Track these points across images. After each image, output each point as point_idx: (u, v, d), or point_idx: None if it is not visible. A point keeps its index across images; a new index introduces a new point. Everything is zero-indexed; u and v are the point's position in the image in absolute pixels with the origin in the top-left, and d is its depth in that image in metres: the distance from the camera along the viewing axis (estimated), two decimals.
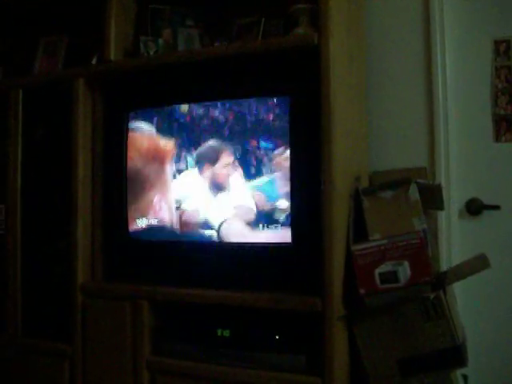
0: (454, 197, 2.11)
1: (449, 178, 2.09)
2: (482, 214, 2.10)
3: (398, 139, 2.15)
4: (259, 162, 1.82)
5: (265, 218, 1.81)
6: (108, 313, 1.97)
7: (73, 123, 2.07)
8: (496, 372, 2.07)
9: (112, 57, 2.05)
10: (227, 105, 1.87)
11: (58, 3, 2.30)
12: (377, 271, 1.70)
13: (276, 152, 1.80)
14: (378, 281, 1.69)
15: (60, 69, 2.24)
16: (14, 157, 2.18)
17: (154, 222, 1.98)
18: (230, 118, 1.87)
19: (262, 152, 1.82)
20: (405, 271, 1.68)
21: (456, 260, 2.03)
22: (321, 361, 1.68)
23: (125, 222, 2.01)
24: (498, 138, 2.10)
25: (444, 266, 1.99)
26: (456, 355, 1.68)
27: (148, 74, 2.02)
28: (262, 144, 1.82)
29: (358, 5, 2.05)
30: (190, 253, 1.92)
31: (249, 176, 1.83)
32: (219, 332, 1.81)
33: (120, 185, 2.01)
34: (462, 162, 2.12)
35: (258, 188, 1.82)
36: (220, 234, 1.87)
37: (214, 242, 1.88)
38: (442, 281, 1.73)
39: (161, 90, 2.02)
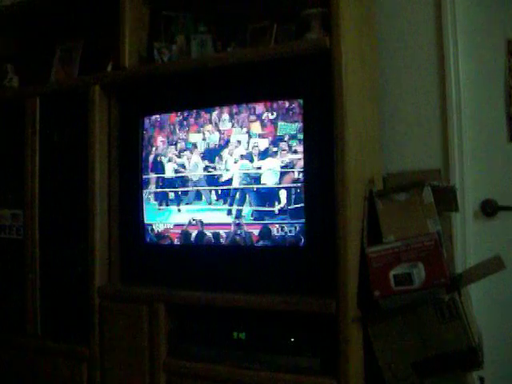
0: (469, 198, 2.10)
1: (463, 179, 2.09)
2: (497, 215, 2.09)
3: (412, 141, 2.15)
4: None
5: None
6: (125, 315, 2.00)
7: (89, 129, 2.11)
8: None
9: (126, 64, 2.08)
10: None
11: (73, 9, 2.34)
12: (391, 273, 1.70)
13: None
14: (392, 283, 1.70)
15: (76, 76, 2.28)
16: (31, 163, 2.22)
17: (170, 225, 2.01)
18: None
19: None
20: (419, 273, 1.69)
21: (471, 261, 2.03)
22: (336, 363, 1.69)
23: (141, 225, 2.04)
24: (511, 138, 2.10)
25: (459, 268, 1.99)
26: (471, 357, 1.68)
27: (162, 80, 2.05)
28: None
29: (368, 8, 2.06)
30: (205, 256, 1.94)
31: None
32: (235, 335, 1.83)
33: (136, 189, 2.04)
34: (476, 163, 2.12)
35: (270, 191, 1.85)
36: (236, 237, 1.89)
37: (227, 244, 1.90)
38: (456, 282, 1.73)
39: (174, 96, 2.04)
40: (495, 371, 2.04)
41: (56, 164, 2.20)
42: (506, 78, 2.11)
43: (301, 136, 1.80)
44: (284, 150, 1.82)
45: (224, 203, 1.91)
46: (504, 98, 2.11)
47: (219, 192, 1.92)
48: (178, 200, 1.99)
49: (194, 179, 1.96)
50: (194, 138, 1.96)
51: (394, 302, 1.70)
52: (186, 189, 1.98)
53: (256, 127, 1.87)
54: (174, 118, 2.01)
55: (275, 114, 1.85)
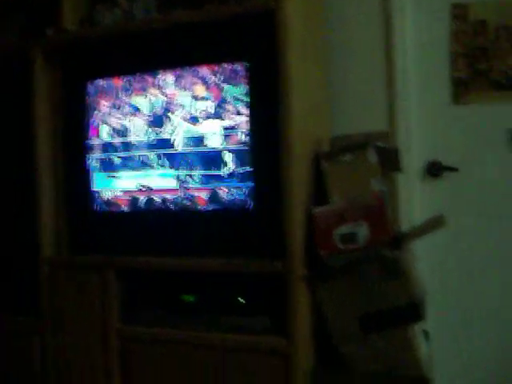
0: (415, 159, 2.14)
1: (409, 141, 2.13)
2: (442, 175, 2.15)
3: (359, 104, 2.16)
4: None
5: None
6: (75, 285, 1.99)
7: (31, 95, 2.05)
8: (457, 329, 2.14)
9: (68, 26, 2.02)
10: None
11: None
12: (337, 232, 1.73)
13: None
14: (338, 242, 1.73)
15: (16, 41, 2.20)
16: None
17: (118, 192, 1.99)
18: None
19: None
20: (364, 232, 1.72)
21: (417, 221, 2.08)
22: (284, 321, 1.72)
23: (89, 193, 2.02)
24: (456, 100, 2.14)
25: (405, 227, 2.04)
26: (413, 311, 1.74)
27: (105, 43, 2.00)
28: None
29: None
30: (154, 221, 1.94)
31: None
32: (185, 298, 1.85)
33: (82, 156, 2.01)
34: (422, 126, 2.15)
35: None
36: (184, 201, 1.89)
37: (176, 209, 1.90)
38: (400, 241, 1.77)
39: (118, 59, 2.00)
40: (440, 324, 2.13)
41: None
42: (450, 42, 2.13)
43: (246, 98, 1.80)
44: (229, 113, 1.81)
45: (171, 168, 1.90)
46: (448, 61, 2.14)
47: (166, 156, 1.91)
48: (125, 165, 1.97)
49: (140, 144, 1.94)
50: (139, 101, 1.94)
51: (339, 260, 1.73)
52: (132, 154, 1.95)
53: (201, 90, 1.85)
54: (118, 81, 1.97)
55: (220, 76, 1.83)
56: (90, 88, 2.01)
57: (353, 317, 1.76)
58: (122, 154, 1.98)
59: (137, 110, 1.94)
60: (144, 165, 1.94)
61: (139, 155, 1.95)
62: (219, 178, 1.84)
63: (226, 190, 1.83)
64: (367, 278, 1.73)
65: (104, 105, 1.99)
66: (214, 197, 1.84)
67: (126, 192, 1.97)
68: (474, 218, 2.12)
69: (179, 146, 1.89)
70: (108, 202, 2.01)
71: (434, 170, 2.15)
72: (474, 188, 2.13)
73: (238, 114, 1.81)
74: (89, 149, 2.01)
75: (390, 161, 1.90)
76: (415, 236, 1.84)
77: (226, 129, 1.82)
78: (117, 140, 1.98)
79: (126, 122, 1.96)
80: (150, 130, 1.93)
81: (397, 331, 1.74)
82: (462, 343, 2.15)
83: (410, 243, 1.86)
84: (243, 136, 1.80)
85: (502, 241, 2.10)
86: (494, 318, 2.12)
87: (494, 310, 2.11)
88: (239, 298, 1.79)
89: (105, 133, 2.00)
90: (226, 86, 1.82)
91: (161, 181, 1.92)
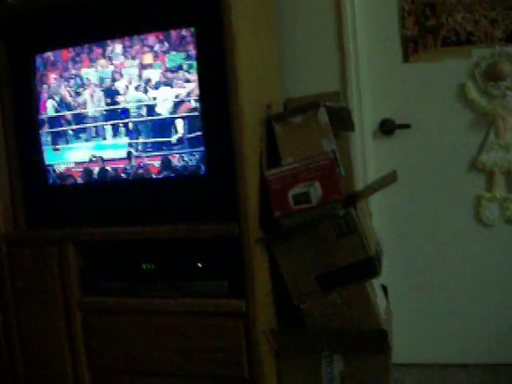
0: (368, 118, 2.18)
1: (361, 100, 2.16)
2: (395, 133, 2.18)
3: (311, 66, 2.18)
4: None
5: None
6: (34, 260, 1.97)
7: None
8: (412, 282, 2.21)
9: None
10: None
11: None
12: (290, 193, 1.75)
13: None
14: (291, 203, 1.75)
15: None
16: None
17: (71, 164, 1.98)
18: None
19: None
20: (316, 191, 1.75)
21: (371, 179, 2.12)
22: (243, 284, 1.75)
23: (42, 167, 2.00)
24: (406, 58, 2.16)
25: (360, 186, 2.08)
26: (369, 267, 1.78)
27: (51, 15, 1.95)
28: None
29: None
30: (109, 192, 1.93)
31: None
32: (144, 266, 1.86)
33: (33, 130, 1.98)
34: (373, 84, 2.18)
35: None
36: (137, 170, 1.89)
37: (130, 178, 1.90)
38: (352, 198, 1.81)
39: (65, 31, 1.96)
40: (397, 279, 2.19)
41: None
42: (398, 0, 2.15)
43: (194, 64, 1.79)
44: (178, 80, 1.80)
45: (121, 137, 1.89)
46: (397, 19, 2.16)
47: (116, 126, 1.89)
48: (76, 137, 1.94)
49: (90, 115, 1.92)
50: (88, 73, 1.90)
51: (294, 220, 1.76)
52: (82, 126, 1.93)
53: (149, 58, 1.83)
54: (66, 54, 1.93)
55: (167, 44, 1.81)
56: (38, 61, 1.97)
57: (311, 275, 1.79)
58: (73, 127, 1.95)
59: (86, 81, 1.91)
60: (96, 136, 1.92)
61: (90, 127, 1.93)
62: (170, 144, 1.83)
63: (178, 157, 1.84)
64: (322, 236, 1.77)
65: (53, 78, 1.96)
66: (166, 164, 1.84)
67: (78, 164, 1.96)
68: (426, 173, 2.17)
69: (130, 115, 1.87)
70: (62, 175, 1.99)
71: (387, 127, 2.19)
72: (426, 144, 2.17)
73: (187, 80, 1.80)
74: (40, 123, 1.98)
75: (343, 120, 1.92)
76: (368, 193, 1.88)
77: (175, 96, 1.81)
78: (67, 112, 1.95)
79: (76, 94, 1.93)
80: (100, 100, 1.91)
81: (355, 287, 1.78)
82: (419, 296, 2.22)
83: (363, 200, 1.90)
84: (193, 102, 1.80)
85: (452, 194, 2.16)
86: (448, 268, 2.19)
87: (446, 260, 2.18)
88: (197, 263, 1.81)
89: (55, 106, 1.97)
90: (173, 53, 1.80)
91: (113, 151, 1.90)
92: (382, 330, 1.78)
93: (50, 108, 1.98)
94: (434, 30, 2.14)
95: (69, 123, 1.95)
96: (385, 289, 2.04)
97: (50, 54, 1.96)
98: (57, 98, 1.96)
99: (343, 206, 1.76)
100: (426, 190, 2.17)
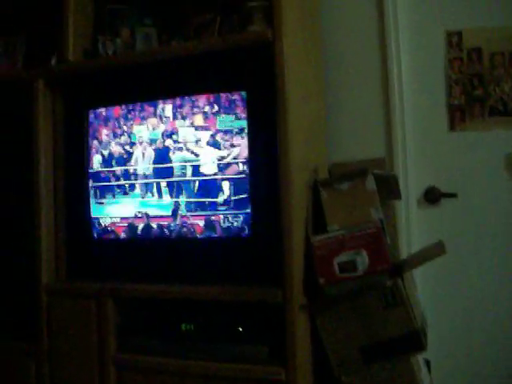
0: (413, 186, 2.16)
1: (406, 167, 2.14)
2: (440, 202, 2.15)
3: (357, 131, 2.19)
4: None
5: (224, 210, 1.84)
6: (73, 311, 1.97)
7: (33, 123, 2.07)
8: (458, 357, 2.13)
9: (70, 57, 2.05)
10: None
11: (16, 2, 2.29)
12: (336, 261, 1.73)
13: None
14: (337, 270, 1.73)
15: (19, 69, 2.23)
16: None
17: (116, 219, 2.00)
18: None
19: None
20: (363, 260, 1.72)
21: (416, 248, 2.08)
22: (283, 350, 1.71)
23: (88, 219, 2.02)
24: (452, 127, 2.16)
25: (404, 254, 2.04)
26: (415, 340, 1.72)
27: (107, 73, 2.03)
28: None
29: (312, 2, 2.08)
30: (152, 248, 1.95)
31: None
32: (183, 326, 1.83)
33: (82, 183, 2.02)
34: (419, 152, 2.17)
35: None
36: (181, 229, 1.89)
37: (173, 236, 1.90)
38: (399, 268, 1.77)
39: (119, 89, 2.03)
40: (442, 354, 2.11)
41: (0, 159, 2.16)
42: (446, 70, 2.16)
43: (244, 127, 1.81)
44: (227, 142, 1.83)
45: (168, 195, 1.91)
46: (444, 88, 2.17)
47: (163, 184, 1.92)
48: (123, 193, 1.98)
49: (138, 172, 1.96)
50: (138, 131, 1.96)
51: (338, 288, 1.73)
52: (131, 182, 1.97)
53: (199, 119, 1.87)
54: (119, 111, 2.00)
55: (217, 106, 1.85)
56: (91, 116, 2.04)
57: (354, 346, 1.74)
58: (120, 182, 1.99)
59: (136, 138, 1.96)
60: (142, 192, 1.95)
61: (138, 183, 1.96)
62: (215, 205, 1.85)
63: (223, 218, 1.84)
64: (367, 306, 1.73)
65: (105, 133, 2.01)
66: (210, 224, 1.85)
67: (123, 219, 1.98)
68: (473, 243, 2.13)
69: (177, 174, 1.90)
70: (106, 229, 2.01)
71: (432, 196, 2.16)
72: (472, 214, 2.14)
73: (236, 143, 1.82)
74: (88, 176, 2.03)
75: (389, 188, 1.91)
76: (416, 264, 1.84)
77: (223, 158, 1.84)
78: (116, 168, 2.00)
79: (126, 151, 1.98)
80: (148, 158, 1.95)
81: (399, 361, 1.73)
82: (465, 372, 2.13)
83: (409, 271, 1.86)
84: (241, 165, 1.82)
85: (500, 266, 2.10)
86: (495, 343, 2.10)
87: (494, 334, 2.10)
88: (237, 327, 1.78)
89: (104, 161, 2.01)
90: (223, 116, 1.84)
91: (158, 208, 1.93)
92: None
93: (99, 162, 2.02)
94: (481, 100, 2.15)
95: (117, 178, 2.00)
96: (428, 363, 1.97)
97: (102, 110, 2.03)
98: (106, 153, 2.01)
99: (389, 276, 1.73)
100: (472, 261, 2.11)
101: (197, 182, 1.88)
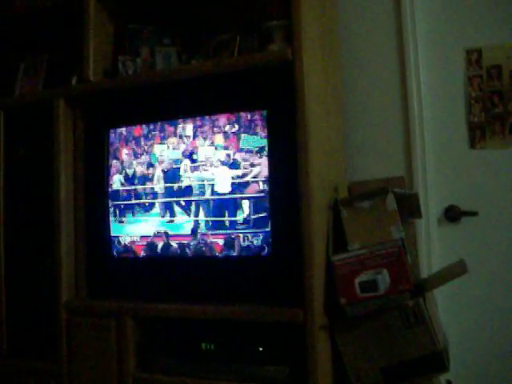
0: (433, 204, 2.14)
1: (426, 186, 2.13)
2: (461, 220, 2.13)
3: (376, 150, 2.18)
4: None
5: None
6: (93, 330, 1.97)
7: (54, 142, 2.09)
8: (480, 377, 2.09)
9: (91, 77, 2.07)
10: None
11: (38, 23, 2.33)
12: (357, 280, 1.72)
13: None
14: (358, 290, 1.71)
15: (41, 90, 2.26)
16: None
17: (135, 237, 2.00)
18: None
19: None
20: (384, 279, 1.70)
21: (436, 267, 2.06)
22: (304, 371, 1.69)
23: (108, 238, 2.03)
24: (473, 145, 2.15)
25: (425, 273, 2.02)
26: (437, 360, 1.70)
27: (127, 93, 2.05)
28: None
29: (331, 19, 2.09)
30: (172, 267, 1.94)
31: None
32: (203, 346, 1.82)
33: (102, 202, 2.03)
34: (439, 170, 2.16)
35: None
36: (201, 247, 1.90)
37: (192, 255, 1.90)
38: (421, 288, 1.76)
39: (139, 108, 2.04)
40: (463, 374, 2.07)
41: (21, 178, 2.18)
42: (465, 87, 2.16)
43: (264, 146, 1.82)
44: (247, 161, 1.84)
45: (188, 214, 1.92)
46: (464, 106, 2.16)
47: (183, 203, 1.92)
48: (143, 212, 1.99)
49: (159, 191, 1.97)
50: (159, 150, 1.97)
51: (360, 308, 1.71)
52: (151, 201, 1.98)
53: (219, 139, 1.88)
54: (139, 130, 2.01)
55: (238, 125, 1.86)
56: (112, 136, 2.05)
57: (375, 367, 1.72)
58: (140, 201, 2.00)
59: (157, 158, 1.97)
60: (162, 211, 1.96)
61: (158, 202, 1.97)
62: (235, 224, 1.84)
63: (242, 236, 1.84)
64: (389, 327, 1.71)
65: (125, 152, 2.03)
66: (229, 243, 1.85)
67: (143, 237, 1.99)
68: (495, 263, 2.10)
69: (197, 193, 1.91)
70: (126, 247, 2.02)
71: (452, 214, 2.15)
72: (493, 232, 2.11)
73: (256, 161, 1.83)
74: (108, 195, 2.04)
75: (410, 207, 1.90)
76: (437, 283, 1.82)
77: (243, 176, 1.84)
78: (136, 187, 2.01)
79: (146, 170, 1.99)
80: (169, 177, 1.95)
81: (421, 382, 1.70)
82: None
83: (431, 290, 1.84)
84: (261, 184, 1.82)
85: None
86: None
87: None
88: (257, 346, 1.77)
89: (124, 180, 2.03)
90: (244, 135, 1.85)
91: (178, 227, 1.93)
92: None
93: (118, 181, 2.04)
94: (501, 117, 2.13)
95: (137, 197, 2.00)
96: None
97: (123, 130, 2.04)
98: (127, 172, 2.02)
99: (411, 295, 1.71)
100: (493, 280, 2.09)
101: (216, 201, 1.88)
